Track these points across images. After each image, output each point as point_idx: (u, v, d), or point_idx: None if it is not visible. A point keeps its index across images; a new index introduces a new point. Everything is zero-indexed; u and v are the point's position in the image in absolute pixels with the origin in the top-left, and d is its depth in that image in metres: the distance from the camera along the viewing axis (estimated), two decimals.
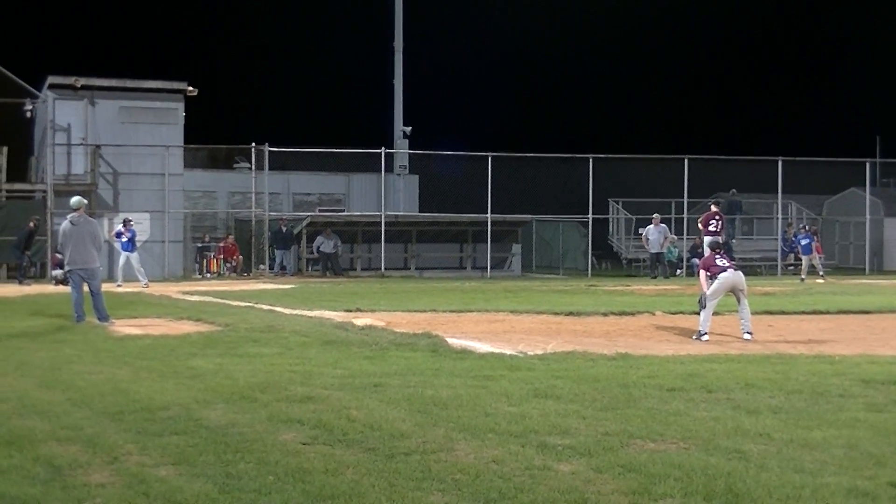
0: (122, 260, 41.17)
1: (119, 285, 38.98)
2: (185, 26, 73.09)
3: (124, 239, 40.93)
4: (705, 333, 21.75)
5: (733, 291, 22.33)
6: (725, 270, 22.23)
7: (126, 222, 41.59)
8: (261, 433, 11.55)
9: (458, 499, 9.06)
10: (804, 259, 46.96)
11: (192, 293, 34.90)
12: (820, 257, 50.11)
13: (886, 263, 56.87)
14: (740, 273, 22.59)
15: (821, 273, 46.41)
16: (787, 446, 11.08)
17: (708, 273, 22.43)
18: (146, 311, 27.53)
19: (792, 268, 53.30)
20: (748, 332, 21.85)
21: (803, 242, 47.10)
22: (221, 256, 49.07)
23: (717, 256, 22.74)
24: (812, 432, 11.78)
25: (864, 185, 55.00)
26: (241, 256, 49.06)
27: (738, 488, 9.34)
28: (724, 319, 23.64)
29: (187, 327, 23.40)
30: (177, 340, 20.59)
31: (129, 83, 47.09)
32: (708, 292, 22.16)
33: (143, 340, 20.74)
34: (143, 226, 44.96)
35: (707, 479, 9.60)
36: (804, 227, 49.37)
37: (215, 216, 54.31)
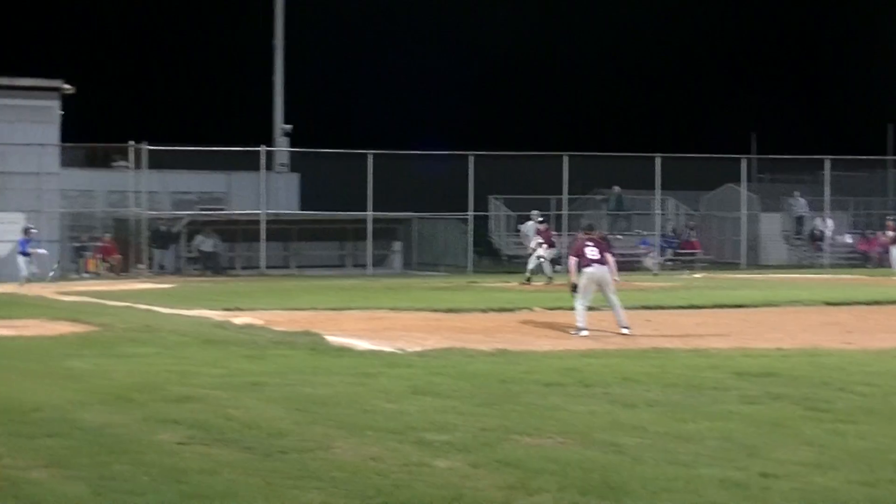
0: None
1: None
2: (61, 23, 72.14)
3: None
4: (584, 329, 21.87)
5: (600, 288, 22.39)
6: (591, 265, 22.30)
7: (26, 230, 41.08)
8: (137, 434, 11.46)
9: (336, 497, 9.07)
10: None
11: (69, 293, 34.44)
12: (698, 252, 51.90)
13: (762, 258, 57.59)
14: (604, 268, 22.53)
15: (654, 272, 47.33)
16: (663, 439, 11.24)
17: (577, 260, 22.53)
18: (20, 312, 27.06)
19: (671, 263, 54.06)
20: (625, 327, 21.97)
21: (642, 247, 48.23)
22: (101, 256, 48.45)
23: (588, 245, 22.69)
24: (687, 425, 11.95)
25: (740, 180, 55.74)
26: (119, 256, 48.46)
27: (613, 481, 9.45)
28: (602, 315, 23.79)
29: (63, 328, 23.06)
30: (52, 341, 20.32)
31: (3, 81, 46.25)
32: (579, 290, 22.29)
33: (17, 342, 20.44)
34: (18, 226, 44.24)
35: (583, 473, 9.70)
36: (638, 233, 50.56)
37: (93, 216, 53.62)
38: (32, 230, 41.41)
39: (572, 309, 22.69)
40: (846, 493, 9.24)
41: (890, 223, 46.42)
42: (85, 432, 11.52)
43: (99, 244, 48.86)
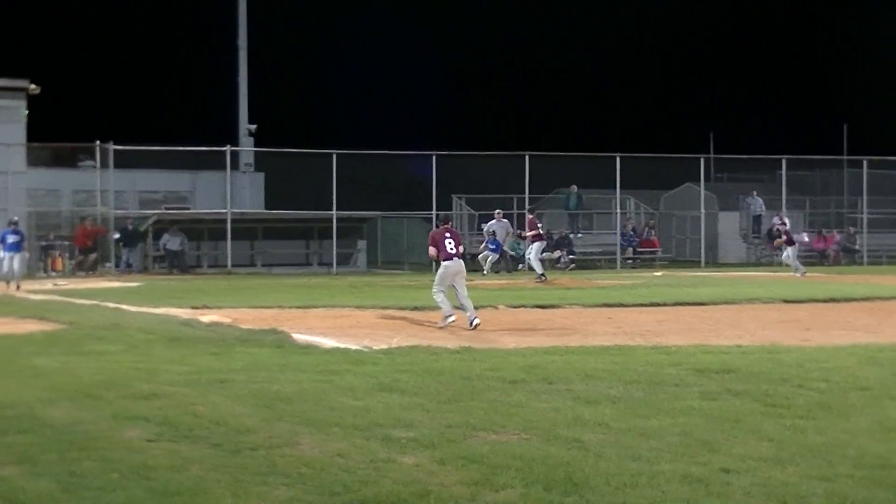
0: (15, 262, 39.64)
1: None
2: (27, 23, 71.94)
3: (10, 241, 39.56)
4: (451, 314, 22.51)
5: (453, 279, 22.86)
6: (451, 259, 22.68)
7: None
8: (105, 431, 11.52)
9: (303, 492, 9.16)
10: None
11: (36, 292, 34.39)
12: (657, 251, 55.39)
13: (721, 256, 58.03)
14: (461, 262, 23.19)
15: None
16: (625, 435, 11.35)
17: (437, 253, 22.97)
18: None
19: (630, 261, 54.50)
20: (474, 319, 22.30)
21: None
22: (89, 241, 48.20)
23: (447, 237, 23.15)
24: (649, 421, 12.07)
25: (699, 180, 56.09)
26: (90, 256, 48.22)
27: (576, 477, 9.56)
28: (563, 312, 23.94)
29: (31, 326, 23.05)
30: (20, 339, 20.32)
31: None
32: (436, 281, 22.82)
33: None
34: None
35: (547, 469, 9.81)
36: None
37: (59, 215, 53.47)
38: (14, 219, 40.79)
39: (535, 307, 22.82)
40: (805, 487, 9.36)
41: (781, 227, 47.11)
42: (53, 429, 11.57)
43: (85, 228, 48.64)
